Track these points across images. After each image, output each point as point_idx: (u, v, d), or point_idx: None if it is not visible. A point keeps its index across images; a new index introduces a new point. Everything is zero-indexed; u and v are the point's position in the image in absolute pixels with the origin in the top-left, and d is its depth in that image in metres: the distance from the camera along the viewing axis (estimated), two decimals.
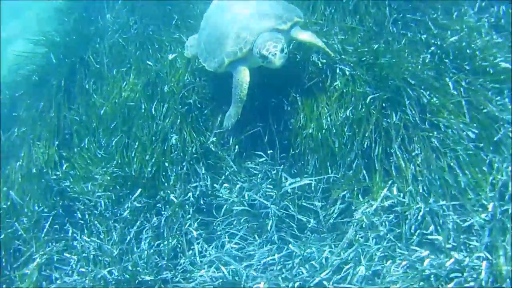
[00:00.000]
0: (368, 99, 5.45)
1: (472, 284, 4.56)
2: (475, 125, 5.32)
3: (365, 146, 5.34)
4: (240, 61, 5.31)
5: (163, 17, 7.45)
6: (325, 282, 4.83)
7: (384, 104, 5.46)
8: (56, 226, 5.94)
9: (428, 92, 5.45)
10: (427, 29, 6.15)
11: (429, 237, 4.94)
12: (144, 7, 7.89)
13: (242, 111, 5.36)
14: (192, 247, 5.37)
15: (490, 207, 4.91)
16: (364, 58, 5.86)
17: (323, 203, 5.37)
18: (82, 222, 5.88)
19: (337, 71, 5.79)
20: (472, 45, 5.83)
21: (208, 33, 5.62)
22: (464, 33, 5.92)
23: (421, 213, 5.02)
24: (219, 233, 5.43)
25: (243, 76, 5.26)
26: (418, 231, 5.00)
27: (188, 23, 7.15)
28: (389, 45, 6.01)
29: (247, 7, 5.36)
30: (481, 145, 5.24)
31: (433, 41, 5.99)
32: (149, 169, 5.85)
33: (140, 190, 5.81)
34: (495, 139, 5.21)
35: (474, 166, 5.15)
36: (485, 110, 5.38)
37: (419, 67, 5.68)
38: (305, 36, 5.45)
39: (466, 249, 4.81)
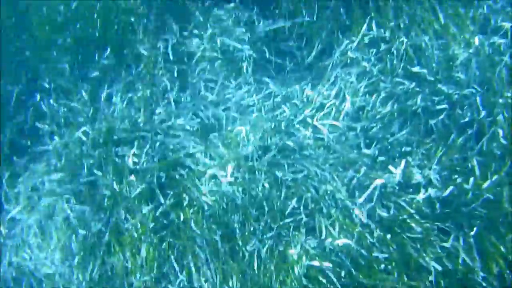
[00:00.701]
0: None
1: (466, 119, 4.45)
2: None
3: None
4: None
5: None
6: (309, 120, 4.60)
7: None
8: (23, 97, 5.54)
9: None
10: None
11: (414, 69, 4.77)
12: None
13: None
14: (166, 97, 5.08)
15: (476, 40, 4.76)
16: None
17: (299, 44, 5.17)
18: (49, 88, 5.49)
19: None
20: None
21: None
22: None
23: (403, 47, 4.82)
24: (194, 80, 5.13)
25: None
26: (402, 65, 4.82)
27: None
28: None
29: None
30: None
31: None
32: (115, 27, 5.50)
33: (109, 49, 5.47)
34: None
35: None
36: None
37: None
38: None
39: (454, 82, 4.67)
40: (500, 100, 4.48)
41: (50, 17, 5.88)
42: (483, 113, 4.45)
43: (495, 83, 4.57)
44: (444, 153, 4.34)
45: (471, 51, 4.73)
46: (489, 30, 4.89)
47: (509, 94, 4.51)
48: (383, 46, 4.93)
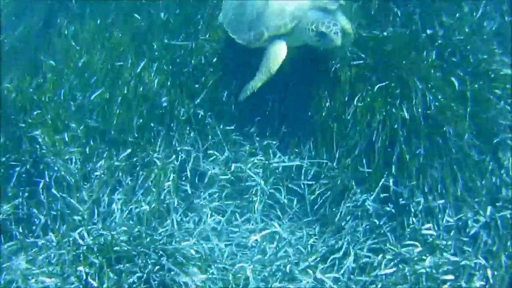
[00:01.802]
0: (376, 87, 5.20)
1: None
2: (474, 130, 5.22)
3: (367, 135, 5.11)
4: (280, 36, 4.94)
5: None
6: (309, 270, 4.54)
7: (390, 95, 5.22)
8: (24, 175, 5.40)
9: (434, 89, 5.26)
10: (431, 25, 5.93)
11: (424, 231, 4.79)
12: None
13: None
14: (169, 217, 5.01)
15: (487, 211, 4.81)
16: (366, 44, 5.59)
17: (311, 182, 5.16)
18: (51, 176, 5.34)
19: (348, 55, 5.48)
20: (475, 49, 5.67)
21: (239, 1, 5.22)
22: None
23: (420, 207, 4.88)
24: (201, 202, 5.13)
25: (281, 49, 4.92)
26: (412, 226, 4.85)
27: None
28: (393, 34, 5.74)
29: None
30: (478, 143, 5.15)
31: (435, 37, 5.82)
32: (134, 127, 5.46)
33: (129, 150, 5.41)
34: (494, 141, 5.14)
35: (472, 168, 5.05)
36: (484, 116, 5.26)
37: (425, 62, 5.44)
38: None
39: (460, 251, 4.70)
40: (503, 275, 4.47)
41: (65, 100, 5.77)
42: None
43: (502, 259, 4.57)
44: None
45: (481, 221, 4.76)
46: (500, 202, 4.90)
47: None
48: (399, 203, 4.93)
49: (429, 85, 5.22)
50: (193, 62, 5.70)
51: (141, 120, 5.47)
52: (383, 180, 4.96)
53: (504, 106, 5.34)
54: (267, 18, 4.90)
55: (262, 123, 5.45)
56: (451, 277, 4.46)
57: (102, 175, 5.26)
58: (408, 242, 4.74)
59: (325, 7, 4.88)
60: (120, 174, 5.29)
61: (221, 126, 5.38)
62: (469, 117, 5.21)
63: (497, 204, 4.90)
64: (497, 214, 4.77)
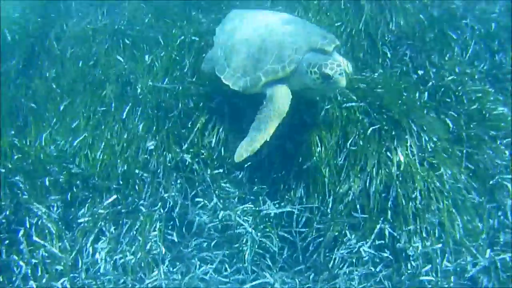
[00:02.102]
0: (369, 130, 5.07)
1: None
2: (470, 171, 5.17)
3: (361, 180, 4.95)
4: (278, 81, 4.72)
5: (134, 11, 6.88)
6: None
7: (383, 138, 5.09)
8: (4, 221, 5.15)
9: (428, 131, 5.17)
10: (422, 65, 5.87)
11: (422, 278, 4.62)
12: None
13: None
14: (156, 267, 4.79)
15: (487, 254, 4.73)
16: (357, 86, 5.45)
17: (303, 230, 4.97)
18: (31, 223, 5.11)
19: (338, 98, 5.35)
20: (467, 89, 5.64)
21: (231, 46, 5.02)
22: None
23: (418, 251, 4.72)
24: (189, 250, 4.92)
25: (287, 92, 4.70)
26: (410, 272, 4.68)
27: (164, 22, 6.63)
28: (384, 76, 5.63)
29: (283, 21, 4.91)
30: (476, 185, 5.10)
31: (427, 78, 5.81)
32: (119, 174, 5.27)
33: (115, 196, 5.16)
34: (490, 182, 5.11)
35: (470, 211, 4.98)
36: (479, 157, 5.22)
37: (418, 103, 5.33)
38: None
39: None
40: None
41: (46, 145, 5.60)
42: None
43: None
44: None
45: (481, 264, 4.65)
46: (499, 246, 4.84)
47: None
48: (397, 249, 4.79)
49: (424, 127, 5.08)
50: (180, 106, 5.45)
51: (125, 167, 5.20)
52: (378, 226, 4.75)
53: (499, 145, 5.28)
54: (263, 63, 4.71)
55: (251, 168, 5.25)
56: None
57: (85, 223, 4.98)
58: None
59: (323, 49, 4.69)
60: (104, 223, 5.02)
61: (209, 172, 5.13)
62: (465, 158, 5.06)
63: (495, 248, 4.81)
64: (497, 258, 4.66)
